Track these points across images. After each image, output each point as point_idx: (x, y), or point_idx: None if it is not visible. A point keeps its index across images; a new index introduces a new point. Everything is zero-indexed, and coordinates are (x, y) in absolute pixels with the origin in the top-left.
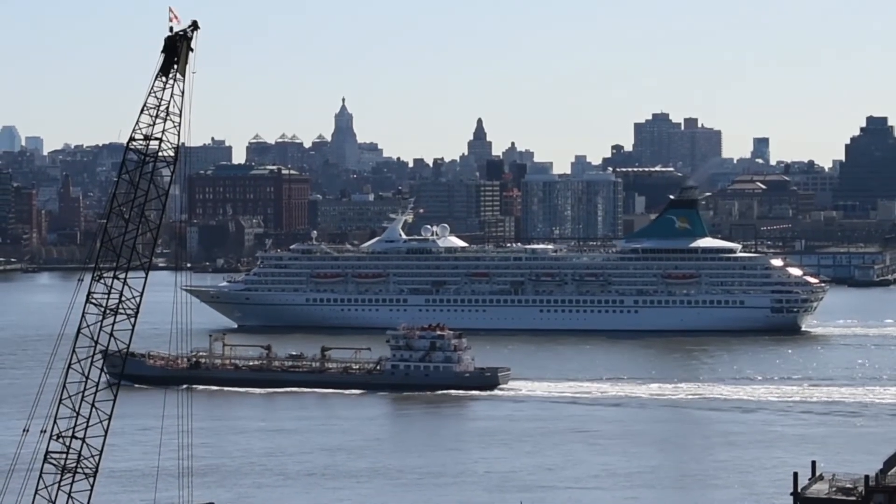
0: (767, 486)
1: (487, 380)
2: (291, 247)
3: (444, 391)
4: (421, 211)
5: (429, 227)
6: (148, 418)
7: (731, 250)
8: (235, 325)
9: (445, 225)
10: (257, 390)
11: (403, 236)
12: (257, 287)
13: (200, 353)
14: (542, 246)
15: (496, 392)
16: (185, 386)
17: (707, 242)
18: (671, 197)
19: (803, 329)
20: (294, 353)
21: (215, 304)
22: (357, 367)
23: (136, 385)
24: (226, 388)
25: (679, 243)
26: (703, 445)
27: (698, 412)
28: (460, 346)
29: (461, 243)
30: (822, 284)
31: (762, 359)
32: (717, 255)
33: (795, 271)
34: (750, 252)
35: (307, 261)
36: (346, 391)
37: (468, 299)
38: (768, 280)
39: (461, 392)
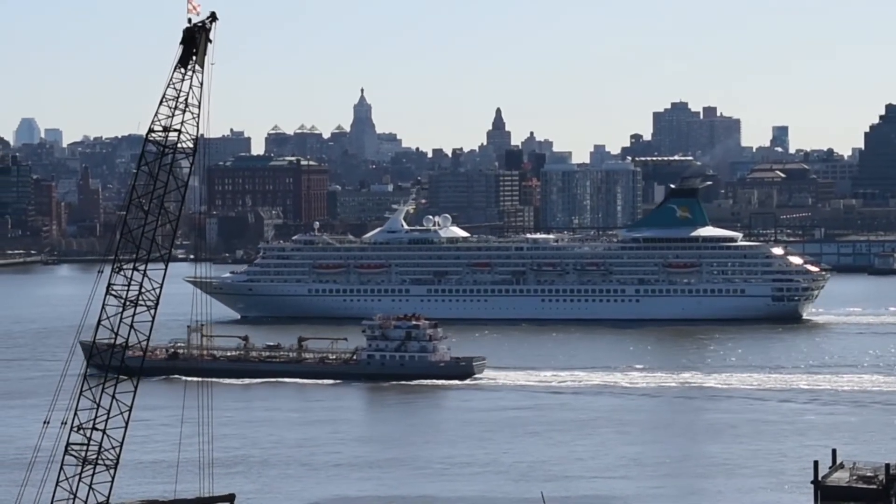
0: (794, 474)
1: (462, 369)
2: (294, 238)
3: (419, 381)
4: (423, 202)
5: (430, 217)
6: (140, 410)
7: (732, 239)
8: (239, 316)
9: (447, 215)
10: (235, 381)
11: (405, 227)
12: (260, 278)
13: (179, 344)
14: (543, 235)
15: (521, 382)
16: (163, 377)
17: (708, 231)
18: (671, 186)
19: (804, 317)
20: (271, 343)
21: (218, 295)
22: (333, 357)
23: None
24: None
25: (680, 232)
26: (728, 434)
27: (723, 401)
28: (436, 335)
29: (463, 233)
30: (823, 273)
31: (775, 347)
32: (718, 243)
33: (796, 260)
34: (751, 241)
35: (309, 252)
36: (323, 381)
37: (470, 289)
38: (769, 269)
39: (450, 382)
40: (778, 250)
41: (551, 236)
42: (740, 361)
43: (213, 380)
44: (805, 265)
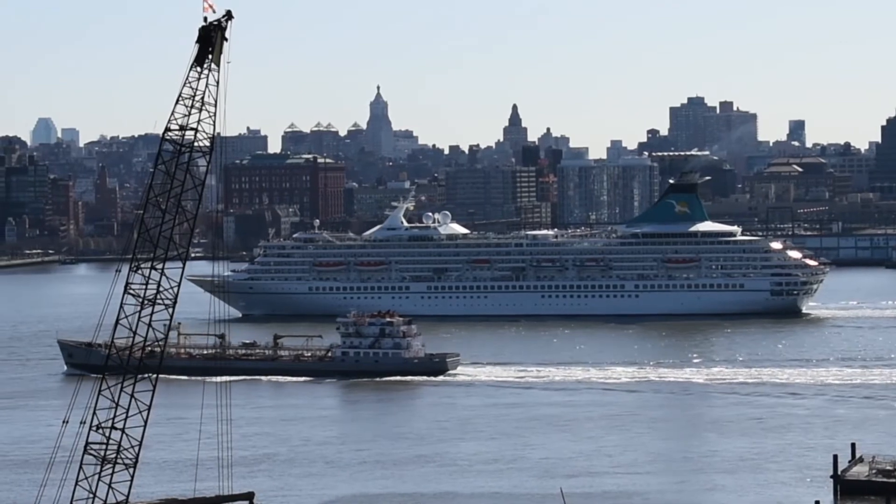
0: (819, 468)
1: (436, 366)
2: (294, 235)
3: (393, 377)
4: (423, 198)
5: (430, 214)
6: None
7: (731, 234)
8: (240, 315)
9: (447, 212)
10: (212, 378)
11: (405, 224)
12: (260, 276)
13: (156, 343)
14: (542, 232)
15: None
16: (142, 375)
17: (707, 226)
18: (671, 181)
19: (804, 311)
20: (247, 341)
21: (219, 293)
22: (309, 354)
23: (94, 375)
24: (182, 378)
25: (679, 227)
26: (757, 429)
27: (750, 396)
28: (409, 332)
29: (462, 230)
30: (822, 267)
31: (800, 341)
32: (717, 238)
33: (795, 254)
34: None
35: (310, 249)
36: (298, 378)
37: (470, 286)
38: (768, 263)
39: (428, 378)
40: (777, 244)
41: (550, 232)
42: (761, 355)
43: (192, 378)
44: (804, 259)
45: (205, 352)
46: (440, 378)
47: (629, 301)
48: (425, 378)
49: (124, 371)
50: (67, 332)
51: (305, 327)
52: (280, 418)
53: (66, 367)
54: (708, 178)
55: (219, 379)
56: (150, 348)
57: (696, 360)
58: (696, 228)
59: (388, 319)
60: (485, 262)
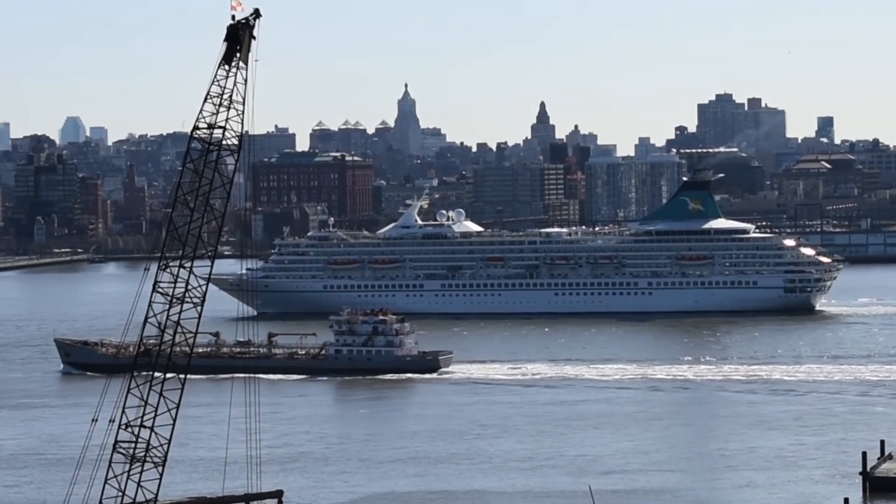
0: (854, 465)
1: (429, 363)
2: (308, 234)
3: (386, 375)
4: (437, 196)
5: (444, 212)
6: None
7: (744, 231)
8: (255, 313)
9: (461, 210)
10: (206, 377)
11: (419, 222)
12: (275, 274)
13: (151, 341)
14: (556, 230)
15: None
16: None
17: (720, 224)
18: (685, 177)
19: (817, 308)
20: (242, 339)
21: (235, 291)
22: (303, 352)
23: (88, 373)
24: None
25: (692, 225)
26: (795, 426)
27: (787, 393)
28: (402, 330)
29: (476, 228)
30: (836, 263)
31: (824, 338)
32: (730, 236)
33: (808, 251)
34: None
35: (324, 248)
36: (291, 376)
37: (484, 284)
38: (781, 260)
39: (421, 375)
40: (790, 242)
41: (564, 230)
42: (783, 352)
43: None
44: (817, 256)
45: (199, 350)
46: (450, 375)
47: (643, 299)
48: (428, 376)
49: (119, 370)
50: (99, 331)
51: (320, 325)
52: (293, 416)
53: (62, 366)
54: (721, 175)
55: (244, 375)
56: (145, 346)
57: (722, 358)
58: (710, 226)
59: (381, 317)
60: (499, 260)
